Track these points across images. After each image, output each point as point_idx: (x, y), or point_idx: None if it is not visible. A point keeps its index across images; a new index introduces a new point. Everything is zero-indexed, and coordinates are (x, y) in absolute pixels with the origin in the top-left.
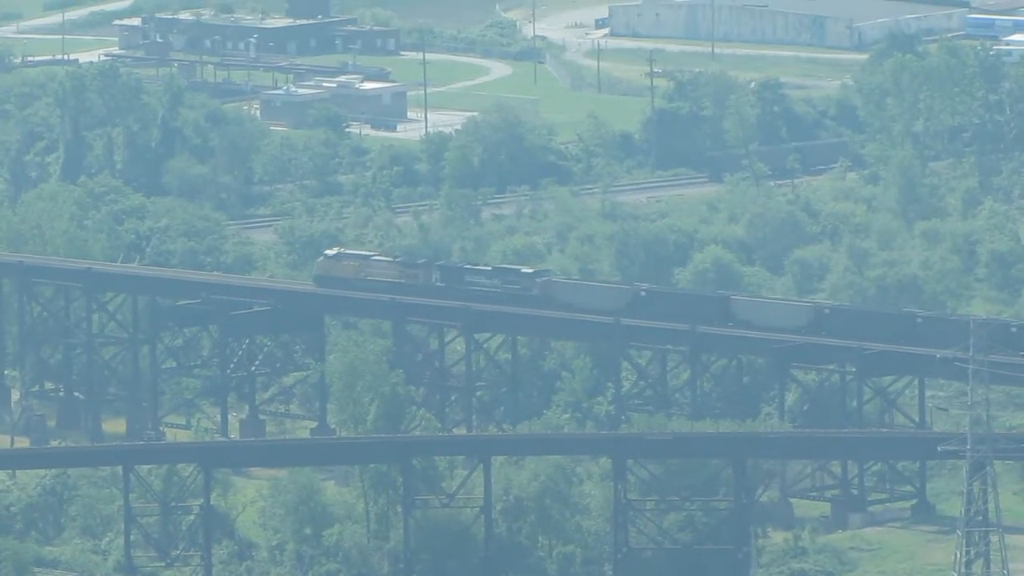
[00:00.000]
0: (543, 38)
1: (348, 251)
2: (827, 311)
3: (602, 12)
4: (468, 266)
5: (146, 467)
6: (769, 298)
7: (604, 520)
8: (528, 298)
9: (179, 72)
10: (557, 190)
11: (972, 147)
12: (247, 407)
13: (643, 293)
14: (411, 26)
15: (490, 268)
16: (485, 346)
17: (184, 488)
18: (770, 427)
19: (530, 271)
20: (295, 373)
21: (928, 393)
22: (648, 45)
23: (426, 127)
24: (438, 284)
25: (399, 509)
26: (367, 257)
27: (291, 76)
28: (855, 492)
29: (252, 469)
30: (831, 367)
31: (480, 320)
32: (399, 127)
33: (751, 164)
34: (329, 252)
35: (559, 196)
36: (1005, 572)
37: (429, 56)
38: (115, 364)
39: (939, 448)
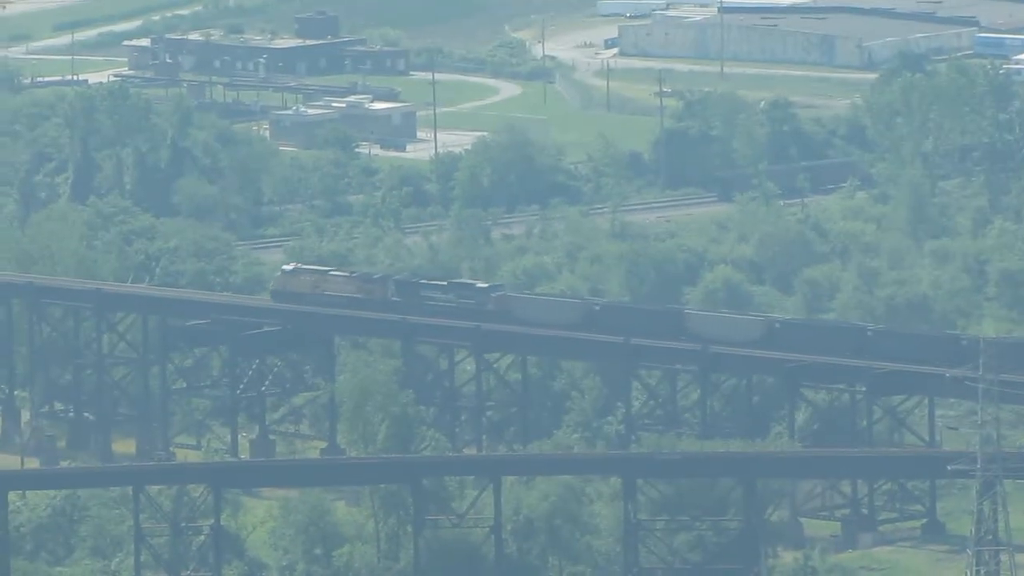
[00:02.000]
0: (553, 58)
1: (305, 266)
2: (778, 325)
3: (611, 32)
4: (424, 281)
5: (156, 487)
6: (721, 312)
7: (614, 540)
8: (484, 313)
9: (188, 92)
10: (567, 210)
11: (982, 166)
12: (257, 427)
13: (597, 308)
14: (420, 46)
15: (445, 283)
16: (495, 366)
17: (194, 508)
18: (780, 446)
19: (485, 286)
20: (305, 393)
21: (938, 412)
22: (657, 65)
23: (436, 147)
24: (394, 299)
25: (409, 529)
26: (324, 272)
27: (300, 96)
28: (865, 511)
29: (262, 489)
30: (841, 386)
31: (490, 340)
32: (409, 147)
33: (761, 183)
34: (287, 267)
35: (569, 216)
36: None
37: (438, 76)
38: (125, 384)
39: (949, 467)
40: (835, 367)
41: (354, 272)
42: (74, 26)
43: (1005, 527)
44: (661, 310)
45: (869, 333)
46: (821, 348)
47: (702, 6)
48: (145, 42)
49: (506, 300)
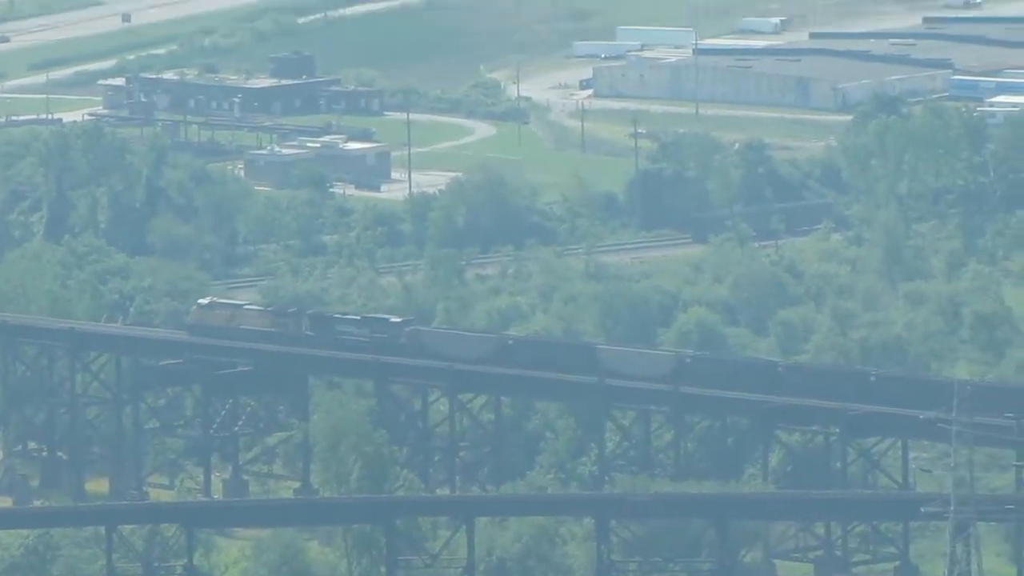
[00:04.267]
0: (527, 98)
1: (221, 300)
2: (688, 360)
3: (586, 73)
4: (338, 315)
5: (129, 527)
6: (632, 347)
7: None
8: (396, 347)
9: (163, 132)
10: (541, 251)
11: (956, 208)
12: (230, 467)
13: (510, 342)
14: (395, 86)
15: (359, 317)
16: (468, 406)
17: (167, 548)
18: (754, 488)
19: (398, 320)
20: (278, 433)
21: (911, 454)
22: (632, 106)
23: (410, 187)
24: (308, 333)
25: (383, 570)
26: (239, 306)
27: (275, 136)
28: (838, 553)
29: (235, 529)
30: (815, 428)
31: (464, 380)
32: (383, 187)
33: (735, 225)
34: (202, 301)
35: (543, 257)
36: None
37: (413, 116)
38: (98, 424)
39: (922, 509)
40: (809, 409)
41: (269, 306)
42: (49, 65)
43: (978, 569)
44: (573, 344)
45: (779, 369)
46: (730, 383)
47: (677, 48)
48: (120, 81)
49: (418, 334)
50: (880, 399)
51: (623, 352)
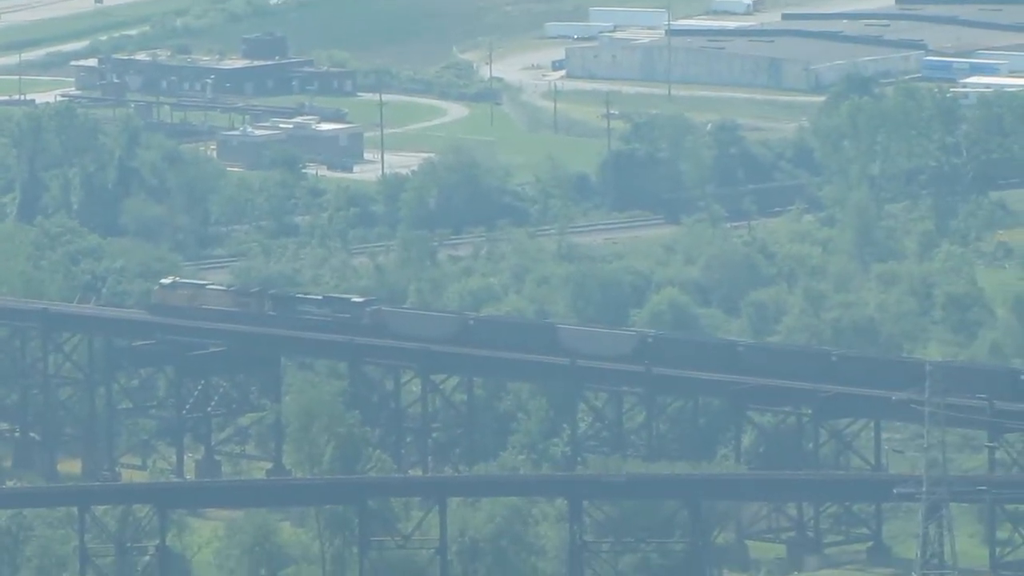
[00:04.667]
0: (500, 79)
1: (183, 280)
2: (650, 340)
3: (559, 54)
4: (300, 295)
5: (102, 508)
6: (594, 327)
7: (560, 562)
8: (358, 327)
9: (136, 113)
10: (513, 232)
11: (929, 190)
12: (203, 448)
13: (471, 322)
14: (368, 67)
15: (321, 297)
16: (441, 387)
17: (140, 529)
18: (726, 469)
19: (360, 300)
20: (251, 414)
21: (884, 436)
22: (604, 87)
23: (383, 168)
24: (270, 313)
25: (355, 550)
26: (202, 286)
27: (248, 117)
28: (811, 534)
29: (208, 510)
30: (787, 409)
31: (436, 361)
32: (355, 168)
33: (708, 206)
34: (165, 281)
35: (515, 237)
36: None
37: (386, 97)
38: (71, 404)
39: (895, 491)
40: (782, 390)
41: (231, 286)
42: (21, 46)
43: (951, 550)
44: (534, 324)
45: (739, 349)
46: (692, 363)
47: (649, 28)
48: (93, 62)
49: (381, 314)
50: (844, 380)
51: (584, 331)
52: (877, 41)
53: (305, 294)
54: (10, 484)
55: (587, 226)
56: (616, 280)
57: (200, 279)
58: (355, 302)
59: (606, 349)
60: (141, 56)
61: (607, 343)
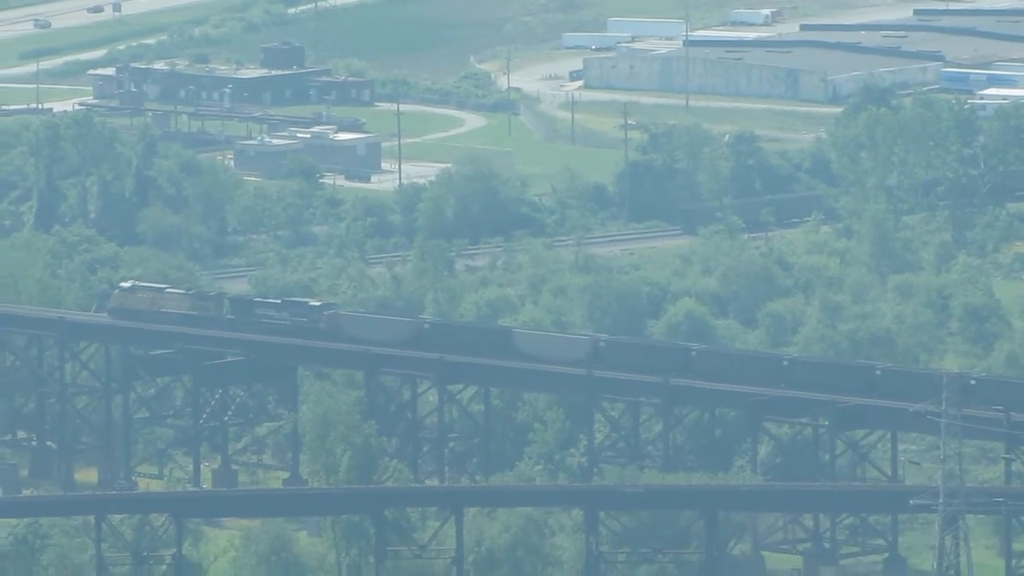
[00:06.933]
0: (517, 90)
1: (142, 283)
2: (603, 344)
3: (576, 64)
4: (258, 299)
5: (118, 517)
6: (548, 331)
7: (576, 572)
8: (315, 331)
9: (153, 122)
10: (530, 242)
11: (946, 201)
12: (219, 457)
13: (427, 326)
14: (385, 77)
15: (279, 301)
16: (458, 397)
17: (156, 538)
18: (742, 480)
19: (317, 304)
20: (268, 423)
21: (900, 447)
22: (622, 97)
23: (400, 178)
24: (229, 317)
25: (371, 560)
26: (161, 290)
27: (265, 126)
28: (827, 545)
29: (224, 519)
30: (804, 420)
31: (453, 371)
32: (373, 178)
33: (725, 217)
34: (124, 284)
35: (532, 248)
36: None
37: (403, 107)
38: (88, 413)
39: (911, 502)
40: (799, 401)
41: (190, 290)
42: (39, 55)
43: (967, 562)
44: (489, 329)
45: (693, 353)
46: (643, 368)
47: (667, 39)
48: (110, 71)
49: (337, 318)
50: (795, 384)
51: (538, 336)
52: (895, 52)
53: (263, 298)
54: (27, 493)
55: (604, 237)
56: (633, 291)
57: (159, 284)
58: (312, 306)
59: (560, 354)
60: (159, 65)
61: (561, 348)
